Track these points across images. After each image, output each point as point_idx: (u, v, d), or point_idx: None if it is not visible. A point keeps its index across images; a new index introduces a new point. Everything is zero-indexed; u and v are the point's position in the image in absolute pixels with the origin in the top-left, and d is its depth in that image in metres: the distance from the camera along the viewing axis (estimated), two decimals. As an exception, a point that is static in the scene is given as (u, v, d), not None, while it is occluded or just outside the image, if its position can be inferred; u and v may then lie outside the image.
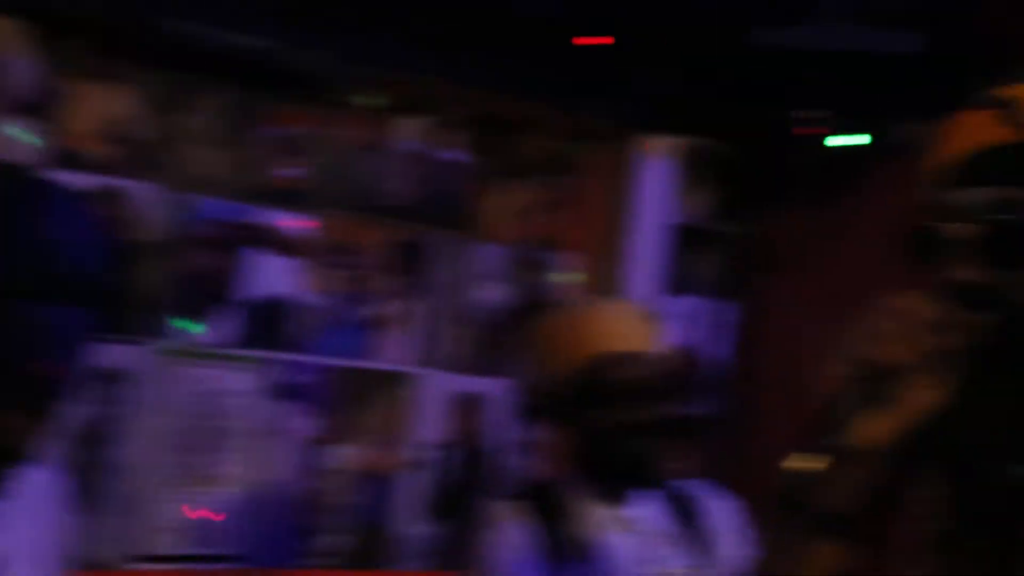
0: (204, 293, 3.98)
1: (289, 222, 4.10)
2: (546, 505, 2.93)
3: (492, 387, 4.36)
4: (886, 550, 1.57)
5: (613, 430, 2.90)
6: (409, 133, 4.36)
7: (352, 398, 4.24)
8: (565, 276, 4.70)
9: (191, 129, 3.94)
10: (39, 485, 2.15)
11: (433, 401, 4.36)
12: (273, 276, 4.08)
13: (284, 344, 4.09)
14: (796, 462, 1.42)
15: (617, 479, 2.94)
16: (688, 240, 4.80)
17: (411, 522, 4.35)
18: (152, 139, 3.90)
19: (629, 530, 2.94)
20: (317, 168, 4.16)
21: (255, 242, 4.04)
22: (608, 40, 4.20)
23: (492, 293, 4.52)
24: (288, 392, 4.10)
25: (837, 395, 1.45)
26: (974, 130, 1.51)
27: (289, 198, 4.12)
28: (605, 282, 4.63)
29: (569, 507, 2.93)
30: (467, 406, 4.43)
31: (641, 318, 3.07)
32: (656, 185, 4.69)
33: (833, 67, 4.22)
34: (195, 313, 3.96)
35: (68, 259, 1.66)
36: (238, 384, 3.98)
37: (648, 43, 4.31)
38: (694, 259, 4.82)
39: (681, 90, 4.54)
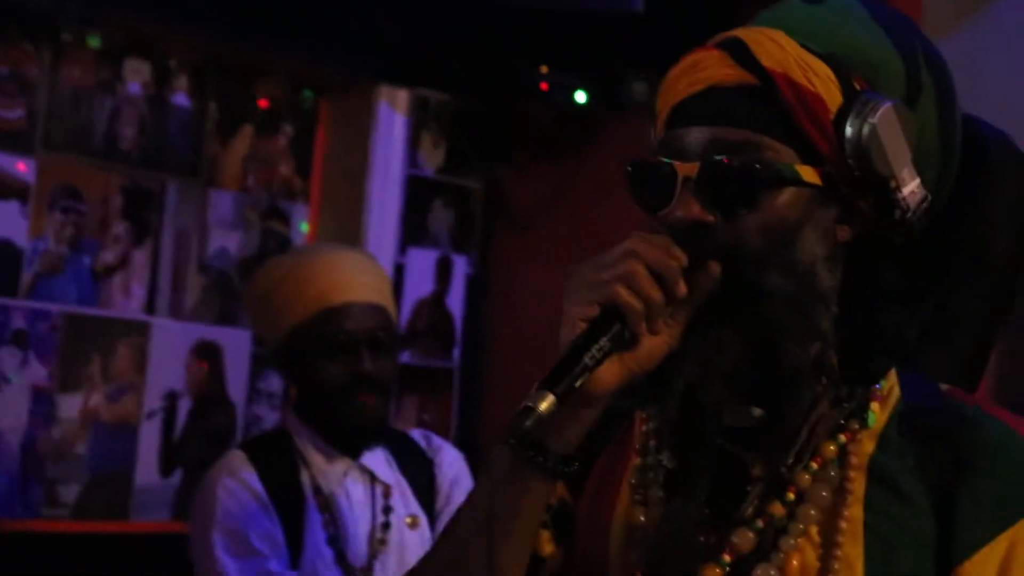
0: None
1: (10, 164, 4.00)
2: (278, 455, 2.92)
3: (230, 336, 4.32)
4: (613, 488, 1.56)
5: (339, 382, 2.90)
6: (136, 77, 4.28)
7: (83, 346, 4.17)
8: (302, 225, 4.68)
9: None
10: None
11: (169, 350, 4.31)
12: (-6, 219, 4.11)
13: (7, 290, 4.01)
14: (542, 405, 1.36)
15: (345, 431, 2.94)
16: (424, 192, 4.80)
17: (149, 472, 4.27)
18: None
19: (358, 480, 2.96)
20: (39, 109, 4.05)
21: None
22: None
23: (228, 241, 4.47)
24: (14, 339, 4.01)
25: (572, 340, 1.40)
26: (700, 68, 1.48)
27: (9, 140, 4.01)
28: (343, 232, 4.61)
29: (300, 457, 2.93)
30: (205, 355, 4.38)
31: (366, 268, 3.07)
32: (393, 137, 4.67)
33: (558, 24, 4.22)
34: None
35: None
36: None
37: None
38: (431, 212, 4.82)
39: (413, 42, 4.52)
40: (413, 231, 4.78)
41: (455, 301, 4.70)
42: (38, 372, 4.06)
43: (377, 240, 4.63)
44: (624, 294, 1.38)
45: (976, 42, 4.19)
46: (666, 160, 1.43)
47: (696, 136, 1.44)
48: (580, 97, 4.36)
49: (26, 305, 4.05)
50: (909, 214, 1.46)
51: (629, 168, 1.48)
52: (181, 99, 4.38)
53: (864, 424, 1.48)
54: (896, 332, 1.49)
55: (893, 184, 1.44)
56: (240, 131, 4.54)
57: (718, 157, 1.43)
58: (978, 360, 1.65)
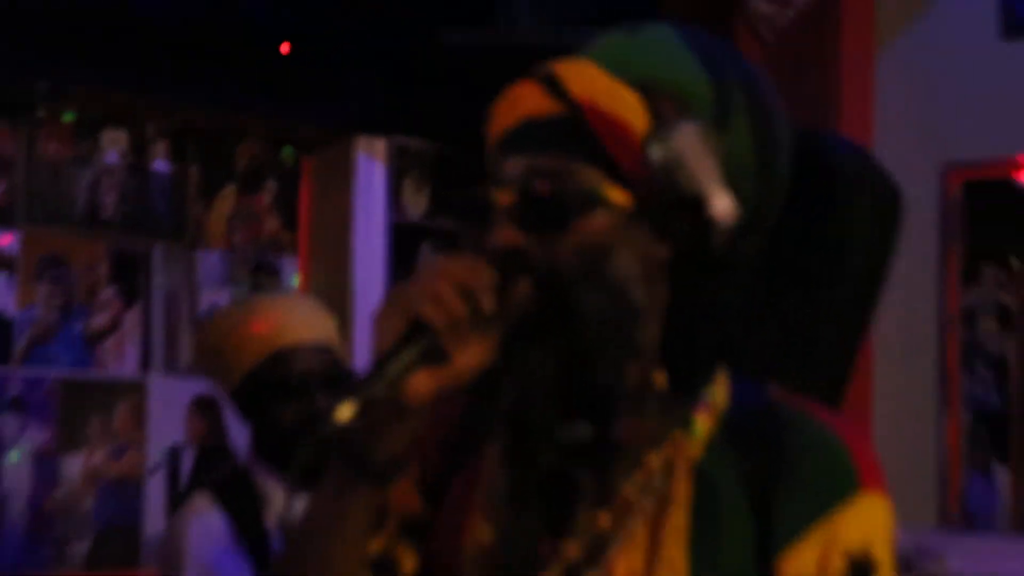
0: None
1: None
2: (242, 494, 2.87)
3: (228, 388, 4.32)
4: (468, 503, 1.54)
5: (294, 423, 2.84)
6: (113, 146, 4.30)
7: (80, 408, 4.17)
8: (294, 278, 4.67)
9: None
10: None
11: (168, 406, 4.31)
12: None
13: (3, 358, 4.01)
14: (344, 416, 1.36)
15: (302, 468, 2.85)
16: (411, 237, 4.76)
17: (156, 522, 4.22)
18: None
19: None
20: (19, 184, 4.06)
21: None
22: (316, 48, 4.28)
23: (219, 297, 4.46)
24: (12, 406, 4.01)
25: (388, 351, 1.39)
26: (518, 103, 1.49)
27: None
28: (333, 281, 4.60)
29: (262, 495, 2.88)
30: (204, 408, 4.37)
31: (310, 311, 3.01)
32: (373, 185, 4.67)
33: (521, 65, 4.29)
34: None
35: None
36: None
37: (350, 48, 4.32)
38: (419, 256, 4.76)
39: (388, 92, 4.54)
40: (402, 276, 4.62)
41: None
42: (38, 436, 4.06)
43: (365, 286, 4.60)
44: (428, 308, 1.39)
45: (925, 41, 4.22)
46: (489, 190, 1.47)
47: (513, 166, 1.46)
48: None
49: (21, 373, 4.05)
50: (723, 231, 1.45)
51: (464, 205, 1.46)
52: (161, 165, 4.40)
53: (689, 433, 1.50)
54: (721, 343, 1.52)
55: (701, 203, 1.44)
56: (222, 191, 4.55)
57: (531, 185, 1.44)
58: (839, 378, 1.70)
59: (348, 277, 4.62)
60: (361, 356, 4.36)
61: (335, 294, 4.53)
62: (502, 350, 1.45)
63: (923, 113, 4.25)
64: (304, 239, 4.73)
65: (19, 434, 4.08)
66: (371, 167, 4.68)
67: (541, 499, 1.50)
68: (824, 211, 1.66)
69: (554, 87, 1.47)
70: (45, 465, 4.11)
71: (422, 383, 1.41)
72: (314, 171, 4.74)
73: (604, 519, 1.48)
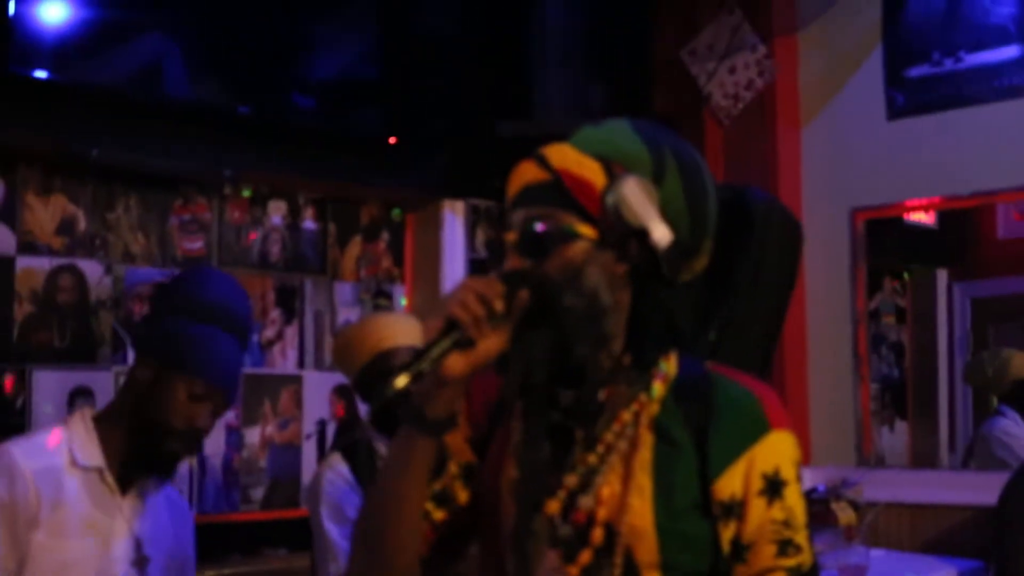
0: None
1: None
2: (362, 453, 3.01)
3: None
4: (504, 450, 1.65)
5: (392, 401, 2.68)
6: (277, 212, 4.53)
7: (258, 395, 4.40)
8: (402, 300, 4.84)
9: (123, 221, 4.08)
10: None
11: (317, 393, 4.52)
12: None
13: None
14: (400, 383, 1.46)
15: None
16: (482, 269, 4.89)
17: (309, 475, 4.38)
18: (94, 230, 3.98)
19: None
20: (213, 241, 4.32)
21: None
22: (413, 138, 4.45)
23: (351, 315, 4.67)
24: None
25: (431, 341, 1.49)
26: (521, 174, 1.60)
27: (194, 263, 4.22)
28: (428, 302, 4.76)
29: (376, 454, 3.00)
30: (342, 394, 4.59)
31: (405, 322, 3.12)
32: (456, 234, 4.85)
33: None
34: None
35: None
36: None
37: (437, 137, 4.54)
38: None
39: (465, 168, 4.72)
40: None
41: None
42: (229, 415, 4.27)
43: None
44: (458, 310, 1.51)
45: (835, 121, 4.53)
46: (503, 234, 1.59)
47: (518, 216, 1.59)
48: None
49: None
50: (664, 253, 1.55)
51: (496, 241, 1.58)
52: (309, 224, 4.62)
53: (649, 396, 1.60)
54: (668, 332, 1.60)
55: (645, 232, 1.55)
56: (352, 240, 4.75)
57: (526, 227, 1.57)
58: (765, 355, 1.80)
59: (440, 297, 4.70)
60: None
61: (431, 309, 4.58)
62: (511, 338, 1.54)
63: (836, 172, 4.52)
64: (408, 273, 4.87)
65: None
66: (454, 221, 4.86)
67: (549, 445, 1.59)
68: (746, 240, 1.75)
69: (542, 162, 1.59)
70: (233, 435, 4.32)
71: (455, 362, 1.51)
72: (415, 224, 4.91)
73: (592, 458, 1.58)
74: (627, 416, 1.58)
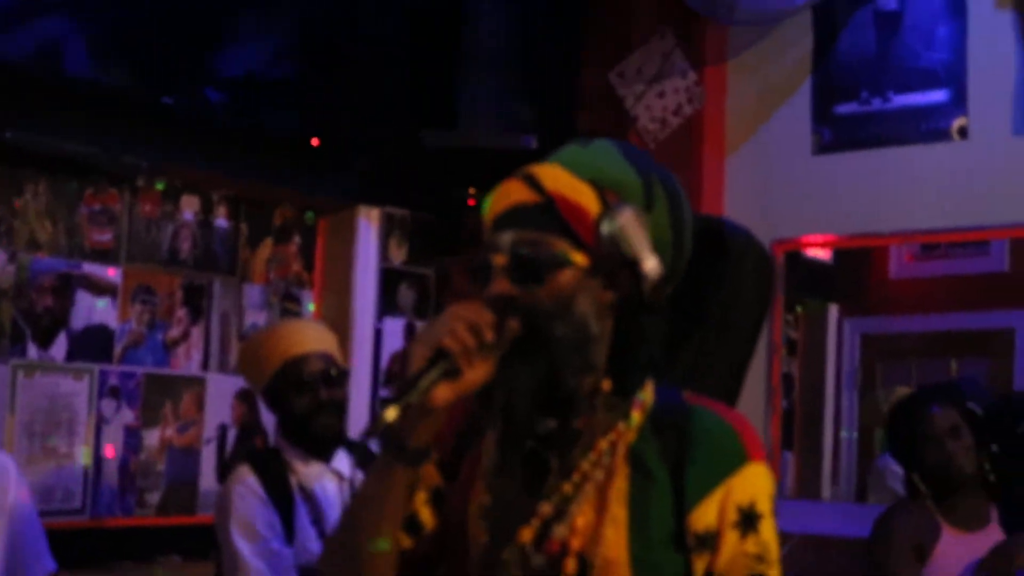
0: (46, 323, 4.03)
1: (103, 272, 4.17)
2: (272, 465, 2.94)
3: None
4: (474, 476, 1.61)
5: (306, 410, 2.91)
6: (189, 208, 4.45)
7: (159, 396, 4.32)
8: (310, 305, 4.79)
9: (30, 208, 3.98)
10: None
11: (220, 396, 4.48)
12: (95, 311, 4.14)
13: (105, 358, 4.16)
14: (390, 416, 1.43)
15: (316, 444, 2.95)
16: (394, 279, 4.87)
17: (209, 480, 4.42)
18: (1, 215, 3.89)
19: (330, 479, 2.97)
20: (123, 233, 4.23)
21: (83, 287, 4.11)
22: (332, 142, 4.39)
23: (258, 318, 4.63)
24: (110, 393, 4.18)
25: (419, 370, 1.45)
26: (508, 193, 1.55)
27: (102, 255, 4.18)
28: (337, 308, 4.74)
29: (287, 465, 2.95)
30: (245, 398, 4.53)
31: (313, 328, 3.10)
32: (369, 241, 4.78)
33: (478, 159, 4.34)
34: (43, 338, 3.99)
35: None
36: (76, 387, 4.06)
37: (357, 142, 4.49)
38: (399, 292, 4.87)
39: (382, 175, 4.69)
40: (387, 306, 4.82)
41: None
42: (128, 416, 4.21)
43: (361, 313, 4.72)
44: (448, 340, 1.46)
45: (759, 152, 4.39)
46: (488, 255, 1.53)
47: (506, 238, 1.53)
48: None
49: (118, 369, 4.19)
50: (651, 283, 1.52)
51: (471, 265, 1.55)
52: (222, 222, 4.53)
53: (627, 424, 1.56)
54: (648, 361, 1.56)
55: (637, 263, 1.51)
56: (263, 242, 4.68)
57: (518, 251, 1.51)
58: (734, 384, 1.79)
59: (349, 305, 4.74)
60: (358, 363, 4.65)
61: (339, 318, 4.68)
62: (498, 367, 1.50)
63: (759, 203, 4.36)
64: (319, 278, 4.81)
65: (114, 413, 4.18)
66: (368, 228, 4.79)
67: (524, 472, 1.55)
68: (720, 271, 1.73)
69: (533, 183, 1.53)
70: (132, 436, 4.21)
71: (443, 392, 1.47)
72: (327, 229, 4.83)
73: (567, 486, 1.54)
74: (604, 445, 1.53)
